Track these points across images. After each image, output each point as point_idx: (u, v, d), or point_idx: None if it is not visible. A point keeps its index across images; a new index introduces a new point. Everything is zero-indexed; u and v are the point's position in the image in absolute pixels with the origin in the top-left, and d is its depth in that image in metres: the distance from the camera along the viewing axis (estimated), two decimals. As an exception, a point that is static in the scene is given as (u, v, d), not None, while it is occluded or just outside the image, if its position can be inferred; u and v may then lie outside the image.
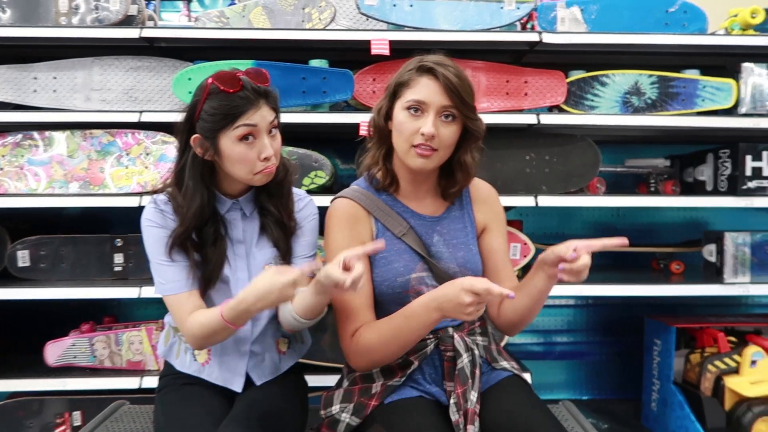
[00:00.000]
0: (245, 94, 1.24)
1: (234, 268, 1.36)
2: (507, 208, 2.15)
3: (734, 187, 2.16)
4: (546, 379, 2.65)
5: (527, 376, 2.01)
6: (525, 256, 2.16)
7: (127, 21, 2.08)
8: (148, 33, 2.00)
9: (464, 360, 1.31)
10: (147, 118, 2.00)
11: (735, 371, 2.15)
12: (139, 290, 1.98)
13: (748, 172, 2.15)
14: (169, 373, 1.43)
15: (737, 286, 2.13)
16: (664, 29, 2.17)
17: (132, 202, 2.00)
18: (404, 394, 1.32)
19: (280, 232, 1.38)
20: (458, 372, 1.30)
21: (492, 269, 1.41)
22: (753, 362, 2.12)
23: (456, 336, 1.33)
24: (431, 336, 1.33)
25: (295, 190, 1.46)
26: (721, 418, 2.11)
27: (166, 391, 1.39)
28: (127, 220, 2.19)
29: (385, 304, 1.32)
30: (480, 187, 1.46)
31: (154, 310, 2.46)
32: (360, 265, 1.13)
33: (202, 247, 1.32)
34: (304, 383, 1.54)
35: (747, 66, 2.15)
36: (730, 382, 2.12)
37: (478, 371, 1.32)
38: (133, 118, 2.00)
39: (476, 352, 1.35)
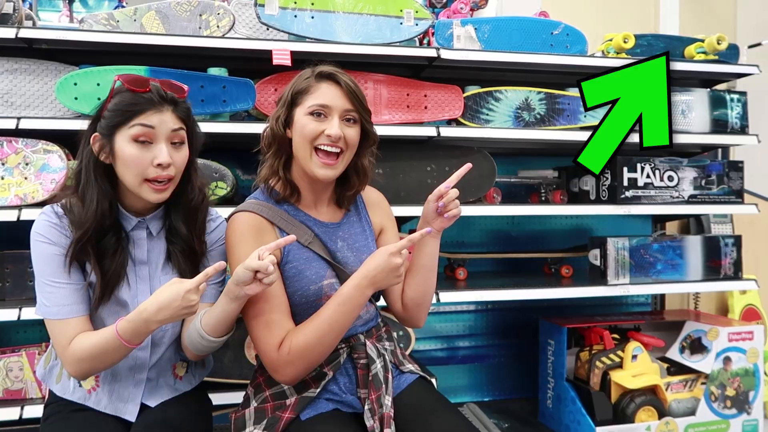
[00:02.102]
0: (149, 96, 1.20)
1: (135, 291, 1.27)
2: (410, 218, 2.20)
3: (614, 196, 2.35)
4: (450, 383, 2.72)
5: (432, 382, 2.05)
6: (427, 265, 2.21)
7: (2, 20, 1.91)
8: (26, 33, 1.85)
9: (377, 366, 1.33)
10: (26, 125, 1.85)
11: (619, 366, 2.31)
12: (19, 312, 1.80)
13: (626, 183, 2.34)
14: (55, 400, 1.31)
15: (619, 287, 2.30)
16: (550, 50, 2.33)
17: (9, 215, 1.82)
18: (320, 408, 1.31)
19: (188, 263, 1.31)
20: (372, 378, 1.31)
21: None
22: (634, 357, 2.30)
23: (368, 343, 1.35)
24: (343, 345, 1.34)
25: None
26: (609, 410, 2.27)
27: (52, 420, 1.27)
28: (3, 236, 2.00)
29: (299, 315, 1.30)
30: (371, 192, 1.51)
31: (35, 333, 2.25)
32: (272, 256, 1.15)
33: (101, 258, 1.23)
34: (207, 401, 1.47)
35: (622, 85, 2.35)
36: (615, 376, 2.28)
37: (390, 376, 1.35)
38: (9, 124, 1.84)
39: (387, 357, 1.37)
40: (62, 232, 1.22)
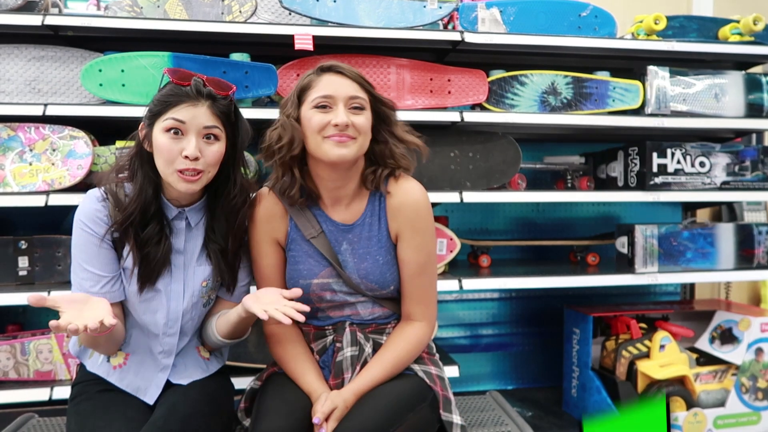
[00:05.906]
0: (188, 90, 1.23)
1: (168, 279, 1.32)
2: (433, 205, 2.18)
3: (643, 183, 2.29)
4: (473, 371, 2.71)
5: (455, 369, 2.05)
6: (451, 251, 2.19)
7: (28, 7, 1.94)
8: (52, 20, 1.86)
9: (345, 353, 1.33)
10: (53, 111, 1.87)
11: (646, 355, 2.27)
12: (48, 295, 1.83)
13: (655, 169, 2.28)
14: (83, 380, 1.35)
15: (647, 275, 2.25)
16: (577, 32, 2.27)
17: (37, 201, 1.85)
18: None
19: (225, 263, 1.35)
20: (335, 364, 1.33)
21: (401, 282, 1.37)
22: (662, 346, 2.25)
23: (348, 329, 1.35)
24: (330, 327, 1.37)
25: None
26: (635, 400, 2.23)
27: (79, 399, 1.31)
28: (32, 221, 2.04)
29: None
30: (397, 193, 1.35)
31: (64, 318, 2.29)
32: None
33: (144, 246, 1.27)
34: (229, 385, 1.48)
35: (652, 69, 2.28)
36: (642, 365, 2.24)
37: (359, 368, 1.32)
38: (36, 111, 1.86)
39: (367, 349, 1.34)
40: (103, 220, 1.26)
